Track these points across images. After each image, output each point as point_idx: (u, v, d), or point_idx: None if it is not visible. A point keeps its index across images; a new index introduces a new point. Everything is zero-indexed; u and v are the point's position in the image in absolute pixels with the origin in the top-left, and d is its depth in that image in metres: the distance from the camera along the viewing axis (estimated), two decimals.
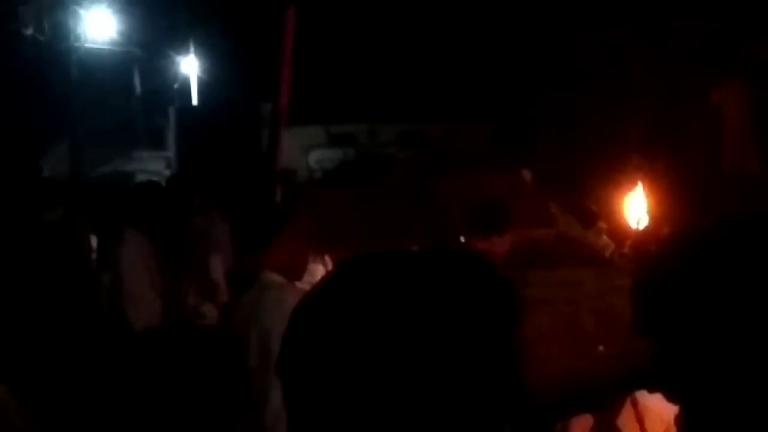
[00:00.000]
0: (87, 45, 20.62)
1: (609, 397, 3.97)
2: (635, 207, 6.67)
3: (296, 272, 5.59)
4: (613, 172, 8.08)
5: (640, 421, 4.06)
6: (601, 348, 3.87)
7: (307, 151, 18.40)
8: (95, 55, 20.86)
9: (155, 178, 15.08)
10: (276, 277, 5.44)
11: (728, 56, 13.52)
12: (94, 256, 9.63)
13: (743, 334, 1.65)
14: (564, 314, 3.94)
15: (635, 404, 3.95)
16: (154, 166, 20.45)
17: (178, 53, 23.08)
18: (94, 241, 9.87)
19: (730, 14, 13.59)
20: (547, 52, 15.58)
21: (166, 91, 22.96)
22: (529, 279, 4.47)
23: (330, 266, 6.85)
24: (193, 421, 6.97)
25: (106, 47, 21.19)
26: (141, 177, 17.49)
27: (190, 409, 7.04)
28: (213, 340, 6.63)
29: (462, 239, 6.42)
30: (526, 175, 7.90)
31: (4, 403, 5.43)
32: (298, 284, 5.49)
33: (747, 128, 13.30)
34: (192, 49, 23.00)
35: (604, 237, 7.22)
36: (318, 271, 6.38)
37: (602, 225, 7.39)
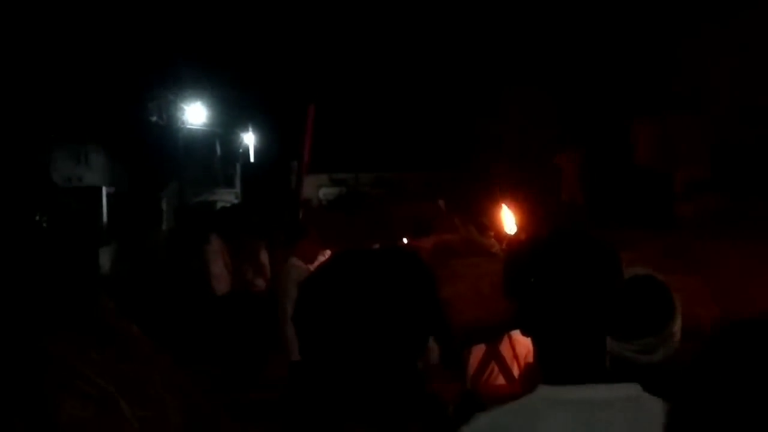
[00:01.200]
0: (188, 126, 22.45)
1: (495, 333, 4.65)
2: (508, 222, 7.87)
3: (310, 260, 6.74)
4: (494, 200, 8.33)
5: (513, 347, 4.96)
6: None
7: (318, 189, 19.18)
8: (193, 132, 22.48)
9: (227, 205, 16.50)
10: (298, 262, 6.72)
11: (566, 134, 14.13)
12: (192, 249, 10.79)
13: (558, 297, 1.85)
14: (470, 284, 4.20)
15: (510, 337, 4.87)
16: (227, 197, 21.56)
17: (242, 131, 24.34)
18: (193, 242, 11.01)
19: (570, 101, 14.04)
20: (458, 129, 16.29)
21: (235, 153, 24.29)
22: (450, 263, 5.01)
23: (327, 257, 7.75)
24: (244, 350, 8.21)
25: (199, 127, 22.92)
26: (219, 204, 18.68)
27: (245, 343, 8.31)
28: (262, 300, 7.72)
29: (405, 240, 7.10)
30: (442, 203, 8.61)
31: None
32: (311, 266, 6.44)
33: (576, 176, 13.85)
34: (250, 128, 24.18)
35: (492, 240, 7.50)
36: (322, 259, 6.70)
37: (490, 232, 7.72)
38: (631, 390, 1.84)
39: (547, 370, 1.89)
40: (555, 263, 1.89)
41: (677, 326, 2.54)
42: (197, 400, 6.25)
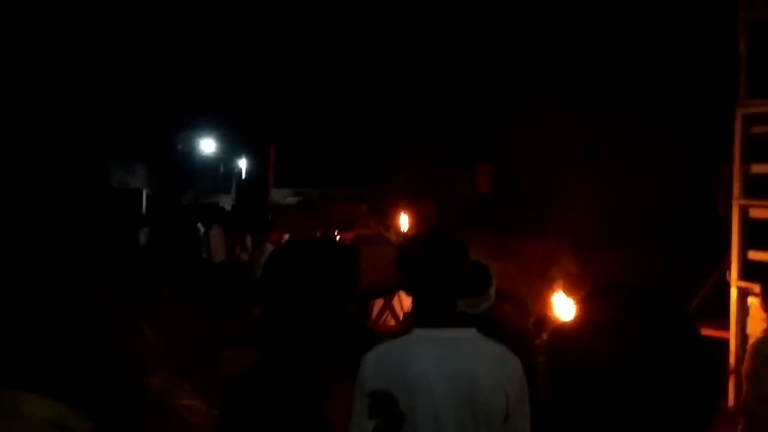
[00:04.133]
0: (202, 152, 22.20)
1: (387, 292, 4.64)
2: (403, 223, 7.96)
3: (276, 243, 6.15)
4: (395, 208, 8.09)
5: (400, 302, 4.90)
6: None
7: (284, 198, 18.74)
8: (205, 157, 22.41)
9: (226, 207, 16.30)
10: (270, 246, 6.41)
11: (480, 150, 13.67)
12: (201, 233, 10.69)
13: (426, 272, 1.86)
14: (373, 261, 3.86)
15: (399, 295, 4.94)
16: (226, 200, 21.21)
17: (238, 157, 24.19)
18: (201, 228, 10.94)
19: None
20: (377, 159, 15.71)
21: (232, 172, 24.14)
22: (362, 249, 5.57)
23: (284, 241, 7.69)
24: (230, 299, 7.74)
25: (209, 154, 22.75)
26: (221, 205, 18.53)
27: (231, 294, 7.87)
28: (243, 267, 7.43)
29: (336, 233, 7.03)
30: (363, 207, 8.60)
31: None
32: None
33: (490, 182, 13.64)
34: (243, 156, 23.94)
35: (392, 234, 7.52)
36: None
37: (392, 229, 7.72)
38: (471, 332, 1.89)
39: (419, 317, 1.90)
40: (424, 251, 1.92)
41: (492, 291, 2.63)
42: (199, 329, 6.09)
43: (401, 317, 4.28)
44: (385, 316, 4.57)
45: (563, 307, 3.49)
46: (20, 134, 9.36)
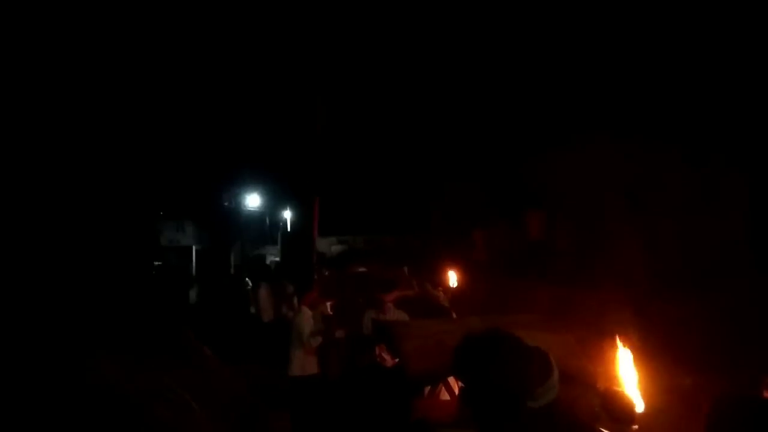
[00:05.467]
0: (248, 208, 22.85)
1: (439, 379, 3.98)
2: (451, 279, 7.72)
3: (314, 307, 6.46)
4: (442, 263, 7.85)
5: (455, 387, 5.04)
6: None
7: (329, 246, 18.94)
8: (251, 211, 23.17)
9: (273, 260, 16.45)
10: (306, 309, 6.50)
11: (483, 216, 13.80)
12: (248, 288, 10.63)
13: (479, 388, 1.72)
14: (421, 342, 3.70)
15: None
16: (272, 251, 21.50)
17: (283, 210, 24.79)
18: (249, 283, 10.96)
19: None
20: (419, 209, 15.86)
21: (278, 224, 24.73)
22: (407, 324, 4.80)
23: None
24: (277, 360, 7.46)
25: (255, 209, 23.48)
26: (268, 257, 18.88)
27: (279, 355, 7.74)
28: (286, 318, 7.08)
29: (378, 294, 6.43)
30: (406, 269, 7.96)
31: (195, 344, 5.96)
32: (313, 312, 6.34)
33: (542, 228, 13.28)
34: (288, 208, 24.51)
35: (441, 294, 7.21)
36: (322, 307, 6.73)
37: (440, 289, 7.37)
38: None
39: (482, 428, 1.74)
40: (483, 361, 1.75)
41: (554, 379, 2.35)
42: (245, 398, 5.90)
43: (456, 390, 3.98)
44: (438, 389, 4.28)
45: (629, 378, 3.14)
46: (74, 200, 9.56)
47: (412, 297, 6.80)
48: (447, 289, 7.22)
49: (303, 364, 5.95)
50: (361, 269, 8.34)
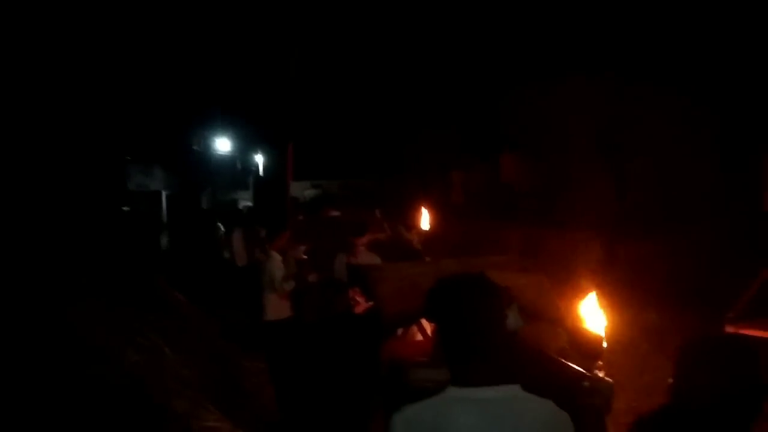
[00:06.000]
0: (218, 152, 22.48)
1: (413, 320, 3.86)
2: (424, 221, 7.68)
3: (282, 252, 6.07)
4: (415, 205, 7.59)
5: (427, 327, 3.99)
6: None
7: (303, 191, 18.62)
8: (221, 155, 22.76)
9: (247, 206, 16.26)
10: (275, 254, 6.24)
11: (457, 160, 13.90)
12: (221, 233, 10.62)
13: (455, 328, 1.67)
14: (394, 285, 3.66)
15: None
16: (244, 197, 21.24)
17: (254, 153, 24.47)
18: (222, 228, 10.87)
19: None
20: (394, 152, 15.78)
21: (249, 169, 24.38)
22: (380, 267, 4.61)
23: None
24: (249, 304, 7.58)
25: (226, 153, 23.08)
26: (240, 202, 18.74)
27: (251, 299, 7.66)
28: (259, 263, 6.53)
29: (351, 238, 6.18)
30: (378, 212, 7.74)
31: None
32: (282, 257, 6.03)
33: (514, 170, 13.45)
34: (259, 152, 24.16)
35: (414, 236, 7.06)
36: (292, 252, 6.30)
37: (414, 231, 7.18)
38: (514, 391, 1.68)
39: (455, 373, 1.71)
40: (460, 303, 1.72)
41: (513, 314, 2.42)
42: (219, 344, 5.92)
43: (430, 333, 3.99)
44: (412, 331, 4.28)
45: (596, 316, 3.21)
46: (36, 141, 9.25)
47: (384, 240, 6.74)
48: (419, 231, 7.16)
49: (277, 308, 5.92)
50: (335, 213, 8.24)
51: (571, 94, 10.82)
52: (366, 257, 5.96)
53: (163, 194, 17.77)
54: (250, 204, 19.55)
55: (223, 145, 23.48)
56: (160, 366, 4.60)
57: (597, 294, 3.14)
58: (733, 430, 1.66)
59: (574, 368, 2.73)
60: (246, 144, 23.80)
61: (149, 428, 4.01)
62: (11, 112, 8.33)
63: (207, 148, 22.91)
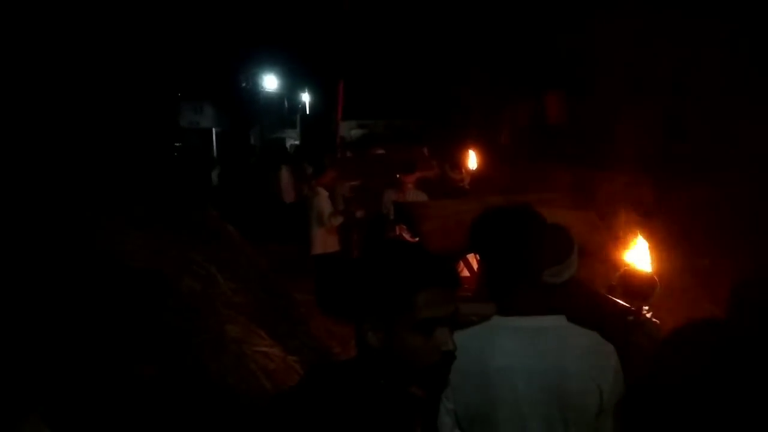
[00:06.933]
0: (266, 89, 22.52)
1: (459, 257, 4.03)
2: (471, 161, 7.65)
3: (329, 188, 6.50)
4: (463, 145, 7.59)
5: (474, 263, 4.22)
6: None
7: (349, 131, 18.52)
8: (269, 93, 22.69)
9: (295, 143, 16.33)
10: (321, 189, 6.38)
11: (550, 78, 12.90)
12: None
13: (502, 258, 1.69)
14: (440, 222, 3.65)
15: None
16: (292, 135, 21.33)
17: (301, 92, 24.46)
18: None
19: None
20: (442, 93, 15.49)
21: (296, 107, 24.45)
22: (425, 205, 4.62)
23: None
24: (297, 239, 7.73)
25: (273, 91, 23.02)
26: (287, 140, 18.81)
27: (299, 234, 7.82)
28: (307, 199, 6.74)
29: (398, 175, 6.45)
30: (426, 150, 8.04)
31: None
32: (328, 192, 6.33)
33: (562, 110, 12.90)
34: (306, 90, 24.15)
35: (464, 174, 7.23)
36: (338, 188, 6.72)
37: (460, 169, 7.32)
38: (558, 320, 1.70)
39: (500, 303, 1.72)
40: (502, 233, 1.71)
41: (575, 257, 2.35)
42: (268, 274, 6.08)
43: (476, 268, 3.98)
44: (458, 267, 4.31)
45: (646, 258, 3.17)
46: (91, 81, 9.36)
47: (432, 178, 6.78)
48: (467, 170, 7.13)
49: (324, 242, 6.05)
50: (381, 152, 8.23)
51: (622, 28, 10.31)
52: (414, 195, 6.00)
53: (214, 131, 17.97)
54: (297, 143, 19.65)
55: (271, 83, 23.45)
56: (215, 293, 4.74)
57: (647, 237, 3.13)
58: None
59: (622, 305, 2.70)
60: (293, 82, 23.72)
61: (205, 352, 4.18)
62: (67, 53, 8.41)
63: (255, 85, 22.96)
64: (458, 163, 7.39)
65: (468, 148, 7.34)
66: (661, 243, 3.29)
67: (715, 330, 1.24)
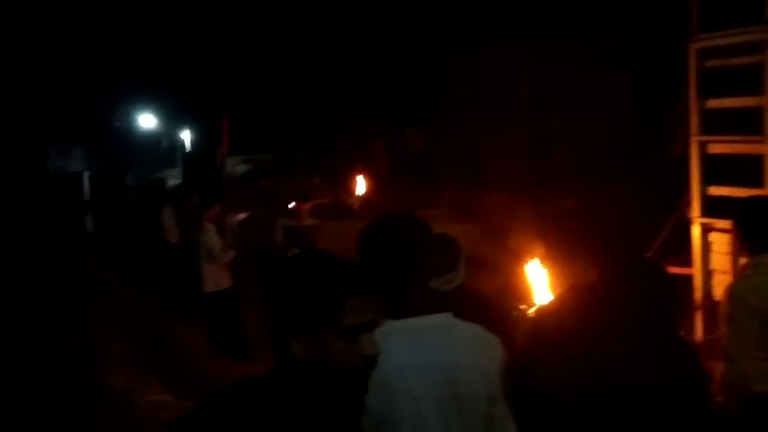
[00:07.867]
0: (142, 128, 21.63)
1: None
2: (359, 187, 7.82)
3: (216, 223, 6.13)
4: (350, 173, 7.91)
5: None
6: None
7: (234, 167, 18.27)
8: (146, 132, 21.79)
9: (176, 183, 15.68)
10: (208, 225, 6.17)
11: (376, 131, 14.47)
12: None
13: (387, 265, 1.66)
14: (332, 242, 3.75)
15: None
16: (172, 175, 20.52)
17: (181, 130, 23.74)
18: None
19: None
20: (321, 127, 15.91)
21: (177, 144, 23.69)
22: (319, 227, 5.01)
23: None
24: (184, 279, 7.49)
25: (150, 129, 22.14)
26: (168, 180, 18.03)
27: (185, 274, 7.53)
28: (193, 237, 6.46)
29: (292, 204, 6.49)
30: (316, 179, 8.25)
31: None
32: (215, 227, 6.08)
33: (419, 140, 14.15)
34: (187, 128, 23.54)
35: (352, 199, 7.53)
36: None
37: (354, 196, 7.65)
38: (444, 318, 1.71)
39: (389, 308, 1.65)
40: (387, 239, 1.73)
41: (462, 264, 2.50)
42: (155, 318, 5.78)
43: None
44: None
45: (537, 276, 3.40)
46: None
47: (326, 204, 6.84)
48: (356, 196, 7.30)
49: (216, 279, 5.84)
50: (268, 183, 8.16)
51: (499, 56, 10.99)
52: (309, 221, 6.04)
53: (85, 175, 16.96)
54: (178, 182, 18.96)
55: (147, 121, 22.49)
56: (93, 343, 4.45)
57: (526, 247, 3.33)
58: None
59: (504, 304, 2.82)
60: (173, 119, 22.89)
61: (89, 406, 3.91)
62: None
63: (130, 125, 21.93)
64: (349, 189, 7.53)
65: (355, 174, 7.50)
66: (539, 252, 3.54)
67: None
